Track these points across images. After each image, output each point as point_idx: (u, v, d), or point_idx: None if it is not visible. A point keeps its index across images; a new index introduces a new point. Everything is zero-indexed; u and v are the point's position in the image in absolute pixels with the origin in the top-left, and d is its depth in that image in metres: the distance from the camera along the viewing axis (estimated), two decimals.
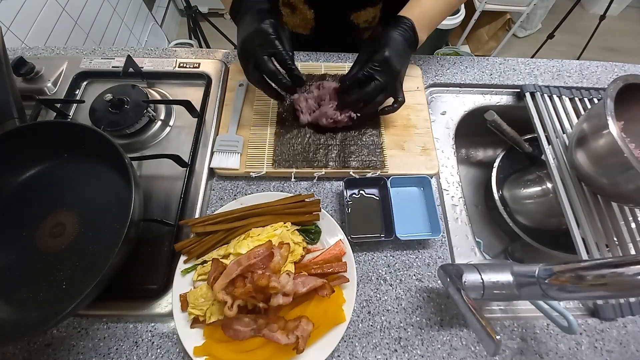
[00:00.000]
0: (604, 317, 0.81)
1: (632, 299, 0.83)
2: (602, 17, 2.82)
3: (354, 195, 0.92)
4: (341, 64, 1.11)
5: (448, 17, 2.86)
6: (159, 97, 1.03)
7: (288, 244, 0.77)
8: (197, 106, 1.00)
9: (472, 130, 1.14)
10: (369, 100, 0.87)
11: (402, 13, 0.87)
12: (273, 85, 0.86)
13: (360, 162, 0.93)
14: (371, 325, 0.79)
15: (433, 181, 0.93)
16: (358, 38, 1.21)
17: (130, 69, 1.02)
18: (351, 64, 1.04)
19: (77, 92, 1.06)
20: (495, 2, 2.91)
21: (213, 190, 0.93)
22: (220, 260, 0.75)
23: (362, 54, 0.88)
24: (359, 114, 0.92)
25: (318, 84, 0.97)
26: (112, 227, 0.74)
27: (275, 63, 0.82)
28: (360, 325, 0.79)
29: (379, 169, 0.93)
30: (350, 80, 0.86)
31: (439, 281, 0.83)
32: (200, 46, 2.97)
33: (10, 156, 0.79)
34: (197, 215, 0.88)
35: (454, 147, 1.06)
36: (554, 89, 1.09)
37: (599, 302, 0.82)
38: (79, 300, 0.58)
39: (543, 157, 1.01)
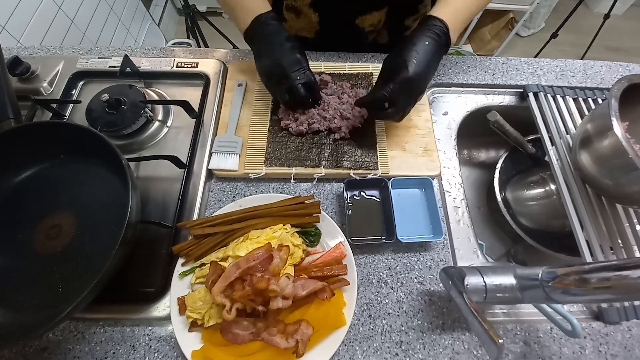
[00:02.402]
0: (609, 320, 0.81)
1: (637, 302, 0.82)
2: (607, 16, 2.82)
3: (354, 197, 0.92)
4: (341, 63, 1.11)
5: None
6: (156, 97, 1.03)
7: (287, 246, 0.77)
8: (195, 106, 1.00)
9: (474, 131, 1.14)
10: (385, 116, 0.89)
11: (434, 12, 0.84)
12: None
13: (354, 163, 0.94)
14: (372, 329, 0.79)
15: (435, 182, 0.93)
16: (363, 42, 1.21)
17: (128, 69, 1.03)
18: (351, 64, 1.05)
19: (73, 92, 1.06)
20: (498, 0, 2.91)
21: (211, 191, 0.93)
22: (219, 262, 0.75)
23: (387, 66, 0.85)
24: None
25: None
26: (109, 229, 0.74)
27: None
28: (361, 328, 0.79)
29: (372, 170, 0.93)
30: (369, 102, 0.90)
31: (441, 284, 0.83)
32: (199, 45, 2.98)
33: (5, 157, 0.79)
34: (195, 217, 0.88)
35: (456, 148, 1.06)
36: (558, 89, 1.09)
37: (604, 305, 0.82)
38: (76, 303, 0.58)
39: (546, 158, 1.01)
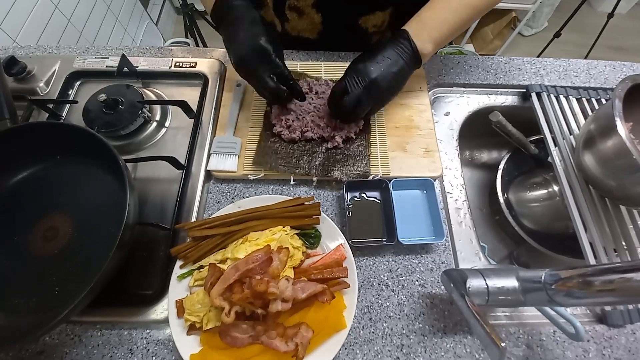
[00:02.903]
0: (612, 323, 0.81)
1: None
2: (610, 15, 2.83)
3: (355, 198, 0.92)
4: (341, 63, 1.11)
5: None
6: (154, 98, 1.04)
7: (287, 248, 0.77)
8: (194, 107, 1.00)
9: (476, 131, 1.14)
10: (355, 117, 0.90)
11: (404, 26, 0.86)
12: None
13: (344, 174, 0.92)
14: (372, 332, 0.79)
15: (436, 184, 0.94)
16: (366, 43, 1.21)
17: (125, 69, 1.03)
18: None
19: (70, 92, 1.07)
20: None
21: (210, 193, 0.93)
22: (218, 265, 0.75)
23: (354, 64, 0.86)
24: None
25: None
26: (107, 231, 0.74)
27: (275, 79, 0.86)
28: (362, 332, 0.79)
29: (365, 177, 0.93)
30: (331, 95, 0.90)
31: (442, 287, 0.83)
32: (197, 45, 2.98)
33: (1, 158, 0.79)
34: (193, 219, 0.88)
35: (458, 149, 1.06)
36: (561, 89, 1.09)
37: (607, 308, 0.82)
38: (72, 306, 0.58)
39: (549, 159, 1.01)
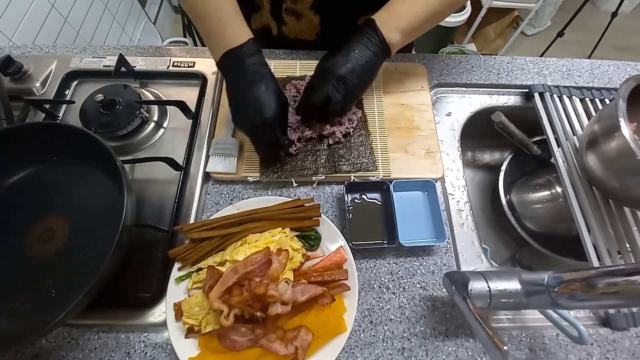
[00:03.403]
0: (616, 326, 0.81)
1: None
2: (614, 14, 2.83)
3: (355, 200, 0.92)
4: None
5: (453, 15, 2.89)
6: (152, 98, 1.04)
7: (287, 250, 0.77)
8: (192, 107, 1.00)
9: (478, 132, 1.15)
10: (325, 115, 0.90)
11: (373, 15, 0.85)
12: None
13: (352, 166, 0.93)
14: (373, 336, 0.79)
15: (438, 185, 0.94)
16: None
17: (122, 69, 1.03)
18: None
19: (66, 93, 1.07)
20: None
21: (209, 194, 0.94)
22: (216, 267, 0.75)
23: (321, 62, 0.87)
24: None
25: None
26: (104, 233, 0.74)
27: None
28: (362, 335, 0.79)
29: (371, 172, 0.94)
30: (305, 103, 0.91)
31: (444, 289, 0.83)
32: (196, 44, 2.98)
33: None
34: (192, 221, 0.88)
35: (460, 150, 1.06)
36: (564, 89, 1.09)
37: (611, 311, 0.82)
38: (69, 309, 0.58)
39: (552, 160, 1.01)
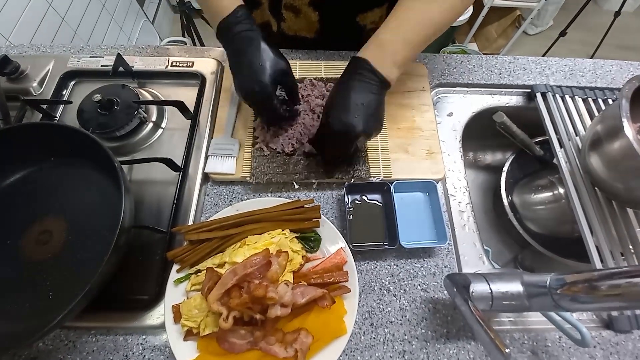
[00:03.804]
0: (619, 329, 0.82)
1: None
2: (617, 14, 2.83)
3: (355, 201, 0.92)
4: (341, 62, 1.11)
5: None
6: (150, 98, 1.04)
7: (286, 252, 0.77)
8: (191, 107, 1.00)
9: (480, 132, 1.15)
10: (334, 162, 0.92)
11: (360, 52, 0.81)
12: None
13: (345, 173, 0.93)
14: (374, 338, 0.79)
15: (439, 186, 0.94)
16: (364, 42, 1.21)
17: (120, 68, 1.03)
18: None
19: (64, 93, 1.07)
20: None
21: (207, 195, 0.94)
22: (215, 269, 0.76)
23: (323, 117, 0.83)
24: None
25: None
26: (101, 235, 0.75)
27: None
28: (363, 337, 0.79)
29: (365, 179, 0.93)
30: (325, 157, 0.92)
31: (445, 291, 0.83)
32: (194, 44, 2.98)
33: None
34: (190, 222, 0.88)
35: (461, 151, 1.06)
36: (567, 89, 1.09)
37: (614, 313, 0.83)
38: (67, 311, 0.58)
39: (555, 160, 1.01)
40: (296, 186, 0.93)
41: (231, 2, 0.80)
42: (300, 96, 0.99)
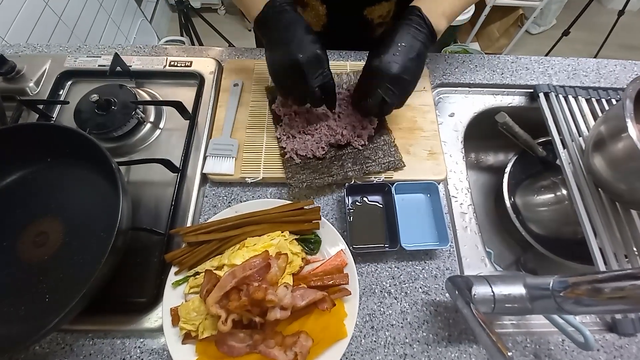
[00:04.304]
0: (623, 332, 0.81)
1: None
2: (621, 13, 2.84)
3: (356, 203, 0.92)
4: (342, 62, 1.11)
5: None
6: (148, 98, 1.04)
7: (286, 254, 0.77)
8: (189, 107, 1.00)
9: (482, 133, 1.15)
10: (372, 110, 0.89)
11: (413, 2, 0.83)
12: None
13: (380, 166, 0.93)
14: (374, 341, 0.79)
15: (440, 187, 0.94)
16: (371, 36, 1.21)
17: (118, 68, 1.03)
18: (352, 63, 1.05)
19: (61, 93, 1.07)
20: None
21: (206, 197, 0.94)
22: (214, 271, 0.76)
23: (370, 61, 0.83)
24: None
25: None
26: (99, 237, 0.74)
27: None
28: (363, 341, 0.79)
29: (400, 168, 0.94)
30: (354, 97, 0.93)
31: (447, 294, 0.84)
32: (193, 43, 2.98)
33: None
34: (189, 224, 0.88)
35: (463, 151, 1.06)
36: (570, 89, 1.09)
37: (618, 316, 0.82)
38: (63, 314, 0.58)
39: (558, 161, 1.01)
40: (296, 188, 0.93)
41: None
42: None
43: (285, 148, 0.95)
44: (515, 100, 1.16)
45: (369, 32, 1.20)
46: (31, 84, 1.05)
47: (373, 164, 0.93)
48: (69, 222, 0.78)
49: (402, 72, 0.78)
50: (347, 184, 0.90)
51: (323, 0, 1.08)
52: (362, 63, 1.08)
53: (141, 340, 0.78)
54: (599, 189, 0.93)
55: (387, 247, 0.87)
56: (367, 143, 0.96)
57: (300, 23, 0.81)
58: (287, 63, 0.81)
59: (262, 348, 0.68)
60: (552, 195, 1.14)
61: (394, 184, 0.90)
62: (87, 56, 1.11)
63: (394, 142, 0.97)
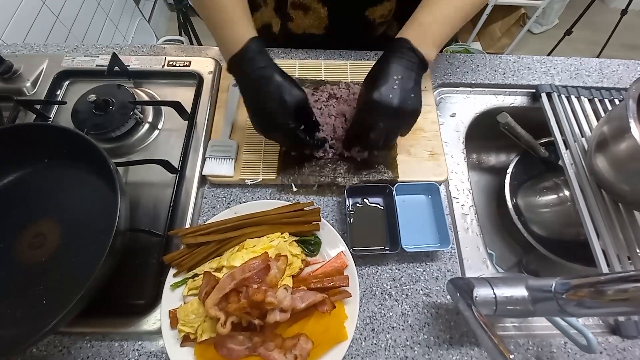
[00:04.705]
0: (626, 334, 0.81)
1: None
2: (624, 12, 2.84)
3: (356, 204, 0.92)
4: (342, 62, 1.12)
5: None
6: (146, 98, 1.04)
7: (286, 256, 0.77)
8: (188, 108, 1.00)
9: (483, 133, 1.15)
10: (374, 146, 0.87)
11: (399, 34, 0.81)
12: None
13: (372, 175, 0.93)
14: (375, 344, 0.79)
15: (442, 188, 0.94)
16: (372, 36, 1.21)
17: (116, 68, 1.03)
18: (352, 62, 1.05)
19: (58, 93, 1.07)
20: None
21: (205, 198, 0.94)
22: (213, 273, 0.76)
23: (368, 96, 0.79)
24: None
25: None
26: (97, 238, 0.74)
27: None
28: (364, 343, 0.79)
29: (395, 177, 0.93)
30: (350, 130, 0.90)
31: (448, 296, 0.84)
32: (191, 43, 2.98)
33: None
34: (187, 225, 0.88)
35: (464, 152, 1.06)
36: (572, 89, 1.09)
37: (621, 318, 0.82)
38: (61, 316, 0.58)
39: (560, 162, 1.01)
40: (294, 189, 0.94)
41: (243, 33, 0.79)
42: (325, 103, 1.01)
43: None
44: (517, 100, 1.16)
45: (370, 33, 1.20)
46: (28, 84, 1.05)
47: (366, 177, 0.93)
48: (67, 223, 0.78)
49: (403, 102, 0.77)
50: (348, 185, 0.90)
51: (324, 3, 1.08)
52: (362, 63, 1.10)
53: (139, 342, 0.78)
54: (602, 190, 0.93)
55: (387, 249, 0.86)
56: (367, 157, 0.94)
57: (270, 87, 0.78)
58: (266, 134, 0.86)
59: (261, 351, 0.68)
60: (555, 196, 1.14)
61: (395, 185, 0.90)
62: (85, 56, 1.11)
63: (395, 158, 0.96)
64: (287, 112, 0.78)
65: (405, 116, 0.79)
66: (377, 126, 0.79)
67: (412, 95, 0.78)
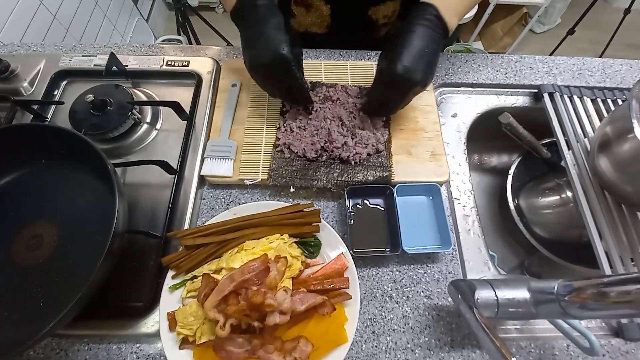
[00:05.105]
0: (629, 337, 0.81)
1: None
2: (627, 11, 2.84)
3: (357, 205, 0.92)
4: (342, 62, 1.12)
5: None
6: (144, 98, 1.04)
7: (285, 257, 0.77)
8: (187, 108, 1.00)
9: (485, 134, 1.15)
10: (391, 110, 0.89)
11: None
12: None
13: (367, 178, 0.93)
14: (376, 347, 0.79)
15: (443, 189, 0.94)
16: (375, 36, 1.21)
17: (114, 68, 1.03)
18: (353, 62, 1.05)
19: (55, 93, 1.07)
20: None
21: (204, 199, 0.94)
22: (212, 275, 0.75)
23: (382, 62, 0.83)
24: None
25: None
26: (94, 240, 0.75)
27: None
28: (364, 346, 0.79)
29: (387, 181, 0.93)
30: (369, 105, 0.92)
31: (450, 298, 0.84)
32: (190, 43, 2.99)
33: None
34: (186, 227, 0.88)
35: (466, 153, 1.06)
36: (575, 89, 1.10)
37: (624, 321, 0.82)
38: (58, 318, 0.58)
39: (562, 163, 1.01)
40: (292, 189, 0.93)
41: None
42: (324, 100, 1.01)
43: (279, 139, 0.96)
44: (519, 100, 1.16)
45: (373, 33, 1.20)
46: (25, 84, 1.05)
47: (360, 181, 0.93)
48: (64, 224, 0.78)
49: (424, 77, 0.78)
50: (348, 186, 0.90)
51: (327, 1, 1.08)
52: (363, 63, 1.10)
53: (137, 345, 0.78)
54: (605, 191, 0.93)
55: (388, 250, 0.86)
56: (363, 161, 0.95)
57: (270, 21, 0.81)
58: (253, 66, 0.83)
59: (261, 353, 0.68)
60: (557, 197, 1.14)
61: (395, 186, 0.90)
62: (83, 55, 1.11)
63: (390, 165, 0.95)
64: (283, 38, 0.79)
65: (419, 91, 0.81)
66: (394, 98, 0.81)
67: (431, 69, 0.79)
